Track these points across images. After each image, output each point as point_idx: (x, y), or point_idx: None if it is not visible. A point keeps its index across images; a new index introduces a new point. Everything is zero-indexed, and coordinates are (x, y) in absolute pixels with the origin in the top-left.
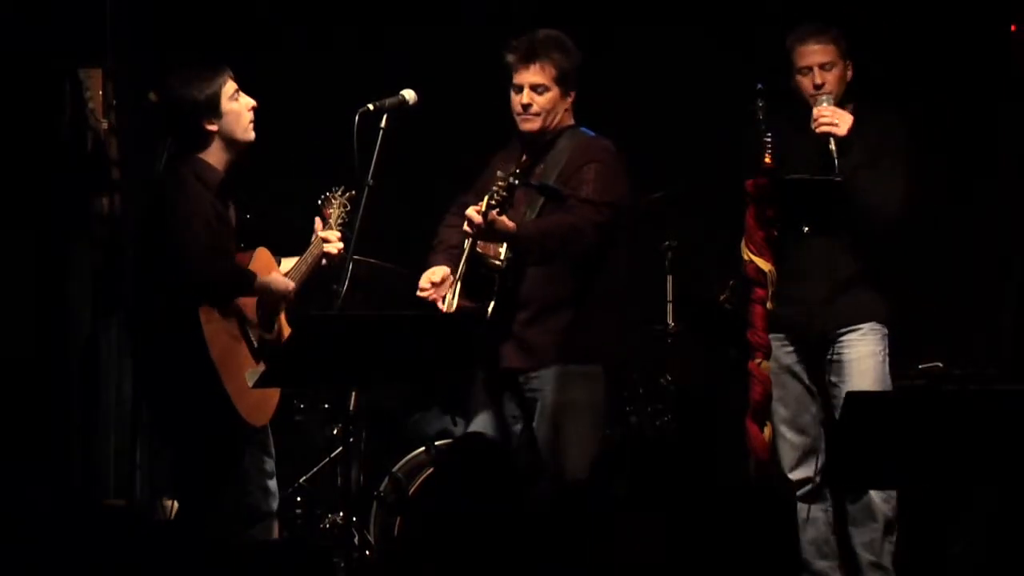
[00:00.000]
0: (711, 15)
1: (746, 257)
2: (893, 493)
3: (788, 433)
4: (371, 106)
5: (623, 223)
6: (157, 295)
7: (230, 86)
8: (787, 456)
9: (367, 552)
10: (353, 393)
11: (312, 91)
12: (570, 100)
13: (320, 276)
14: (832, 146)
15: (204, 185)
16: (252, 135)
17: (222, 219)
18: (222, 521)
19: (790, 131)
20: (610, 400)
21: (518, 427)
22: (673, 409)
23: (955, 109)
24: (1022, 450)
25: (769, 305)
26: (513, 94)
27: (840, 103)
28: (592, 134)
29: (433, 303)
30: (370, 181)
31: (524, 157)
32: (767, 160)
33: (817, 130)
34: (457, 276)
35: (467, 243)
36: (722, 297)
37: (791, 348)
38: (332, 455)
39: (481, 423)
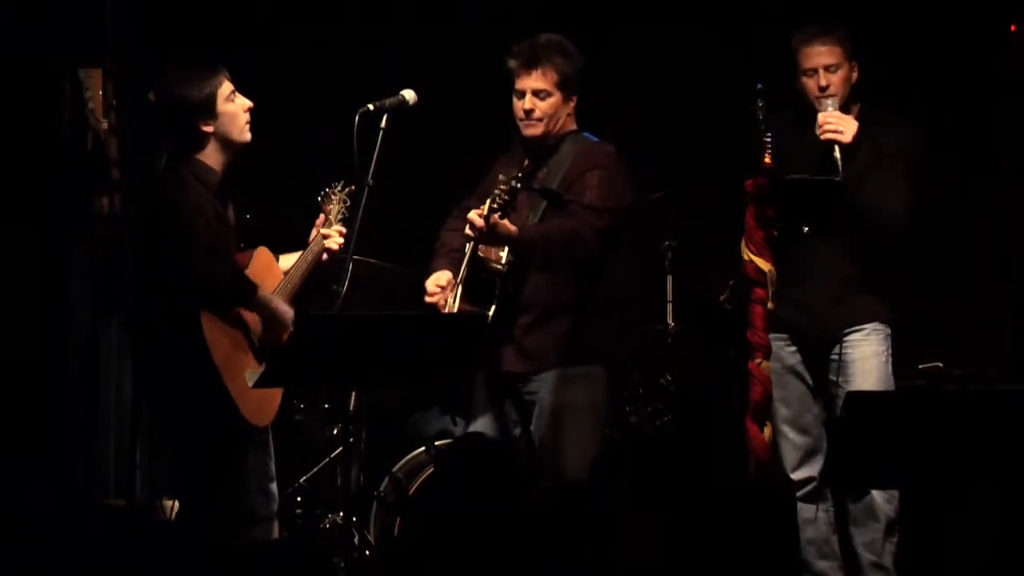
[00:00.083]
0: (711, 15)
1: (746, 257)
2: (895, 493)
3: (791, 433)
4: (371, 106)
5: (625, 225)
6: (158, 296)
7: (226, 87)
8: (789, 456)
9: (367, 552)
10: (353, 393)
11: (312, 91)
12: (572, 105)
13: (320, 276)
14: (837, 153)
15: (203, 185)
16: (248, 136)
17: (222, 219)
18: (222, 522)
19: (794, 132)
20: (611, 401)
21: (517, 430)
22: (673, 409)
23: (955, 109)
24: (1022, 450)
25: (770, 305)
26: (515, 99)
27: (845, 105)
28: (595, 139)
29: (436, 307)
30: (370, 181)
31: (527, 162)
32: (767, 160)
33: (822, 136)
34: (458, 280)
35: (468, 247)
36: (722, 297)
37: (794, 348)
38: (332, 455)
39: (482, 424)
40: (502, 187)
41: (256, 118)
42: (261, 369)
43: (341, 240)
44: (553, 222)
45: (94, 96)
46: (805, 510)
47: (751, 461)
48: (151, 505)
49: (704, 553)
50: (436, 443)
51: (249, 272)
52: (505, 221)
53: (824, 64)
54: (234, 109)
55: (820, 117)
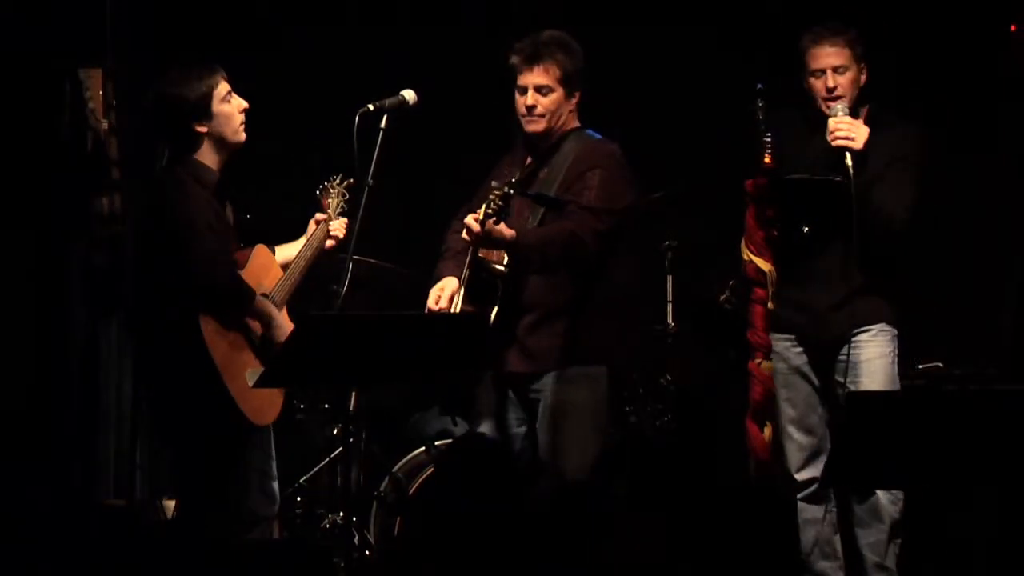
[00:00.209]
0: (711, 15)
1: (746, 257)
2: (900, 495)
3: (796, 434)
4: (371, 106)
5: (625, 226)
6: (159, 296)
7: (223, 87)
8: (794, 457)
9: (367, 552)
10: (353, 393)
11: (312, 91)
12: (575, 101)
13: (320, 276)
14: (849, 161)
15: (202, 186)
16: (243, 137)
17: (220, 219)
18: (222, 521)
19: (802, 133)
20: (612, 402)
21: (522, 430)
22: (673, 409)
23: (955, 109)
24: (1022, 450)
25: (770, 305)
26: (517, 95)
27: (854, 108)
28: (598, 137)
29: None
30: (370, 181)
31: (529, 160)
32: (767, 160)
33: (833, 143)
34: (461, 282)
35: (470, 249)
36: (722, 297)
37: (800, 349)
38: (332, 455)
39: (486, 425)
40: (495, 192)
41: (256, 118)
42: (261, 369)
43: (342, 231)
44: (552, 225)
45: (94, 96)
46: (809, 510)
47: (751, 461)
48: (151, 505)
49: (704, 553)
50: (436, 443)
51: (248, 270)
52: (501, 226)
53: (832, 65)
54: (229, 110)
55: (831, 123)
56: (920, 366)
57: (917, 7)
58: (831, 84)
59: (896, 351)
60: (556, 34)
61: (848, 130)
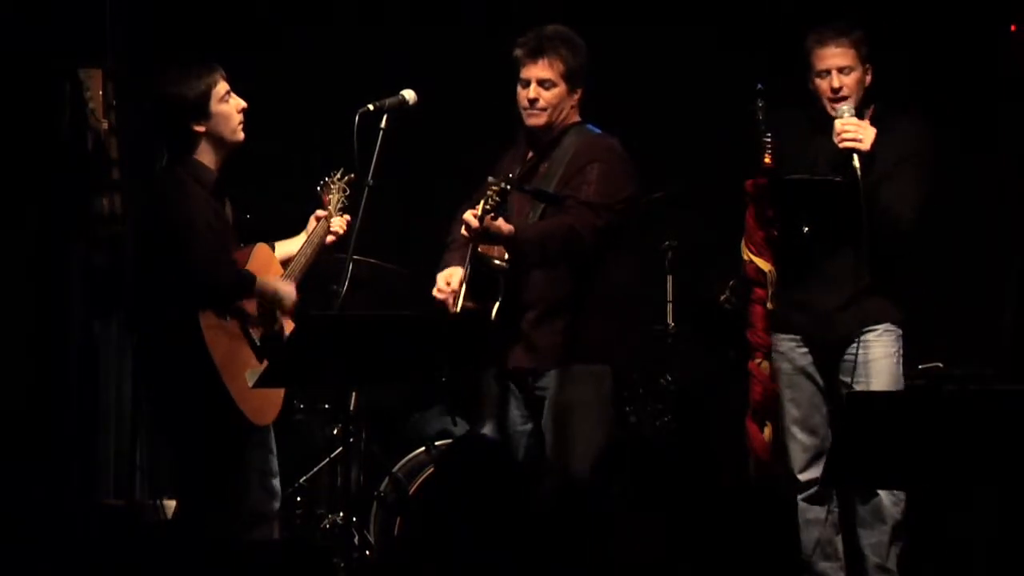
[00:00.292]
0: (711, 15)
1: (746, 257)
2: (902, 496)
3: (799, 434)
4: (371, 106)
5: (625, 223)
6: (159, 296)
7: (221, 87)
8: (797, 457)
9: (367, 552)
10: (353, 393)
11: (312, 91)
12: (577, 97)
13: (320, 276)
14: (856, 162)
15: (201, 185)
16: (241, 136)
17: (220, 218)
18: (223, 521)
19: (806, 134)
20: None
21: (528, 426)
22: (673, 409)
23: (955, 109)
24: (1022, 450)
25: (769, 305)
26: (520, 88)
27: (859, 108)
28: (598, 131)
29: (443, 304)
30: (370, 181)
31: (530, 154)
32: (767, 160)
33: (840, 145)
34: (463, 277)
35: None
36: (722, 297)
37: (805, 349)
38: (332, 455)
39: (490, 425)
40: (493, 188)
41: (256, 118)
42: (261, 368)
43: (344, 227)
44: (551, 220)
45: (94, 96)
46: (811, 511)
47: (751, 461)
48: (151, 505)
49: (704, 553)
50: (436, 443)
51: (248, 269)
52: (499, 221)
53: (838, 66)
54: (227, 110)
55: (837, 125)
56: (920, 366)
57: (917, 7)
58: (836, 85)
59: (901, 351)
60: (560, 29)
61: (855, 131)
